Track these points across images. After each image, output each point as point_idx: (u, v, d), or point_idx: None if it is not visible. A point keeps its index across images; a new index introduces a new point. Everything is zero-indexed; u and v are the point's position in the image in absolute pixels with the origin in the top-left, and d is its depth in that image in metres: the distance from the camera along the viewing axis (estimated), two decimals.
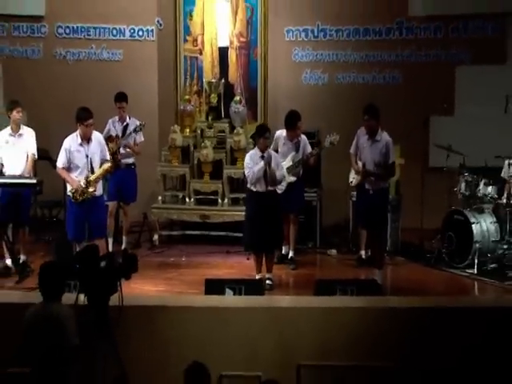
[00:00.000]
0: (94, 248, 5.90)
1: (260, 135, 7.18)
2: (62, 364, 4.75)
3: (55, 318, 4.82)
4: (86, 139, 7.06)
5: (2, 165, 7.58)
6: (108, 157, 7.27)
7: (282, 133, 7.87)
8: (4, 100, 8.86)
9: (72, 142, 7.07)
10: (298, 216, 8.07)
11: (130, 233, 8.57)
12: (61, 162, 7.10)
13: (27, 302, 5.42)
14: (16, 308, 5.44)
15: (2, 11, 9.59)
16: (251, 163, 7.10)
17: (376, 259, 7.34)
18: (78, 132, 7.07)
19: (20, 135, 7.64)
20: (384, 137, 7.21)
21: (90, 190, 6.99)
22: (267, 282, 7.08)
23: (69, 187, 7.16)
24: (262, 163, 7.01)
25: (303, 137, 7.94)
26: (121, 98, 8.32)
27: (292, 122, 7.83)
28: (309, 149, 7.91)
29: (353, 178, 8.03)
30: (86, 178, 6.98)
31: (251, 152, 7.29)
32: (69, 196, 7.16)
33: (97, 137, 7.22)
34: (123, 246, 8.32)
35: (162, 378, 5.22)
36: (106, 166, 7.14)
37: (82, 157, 7.04)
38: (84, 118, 6.97)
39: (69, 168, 7.09)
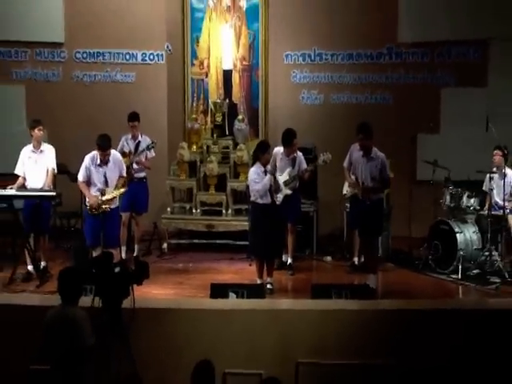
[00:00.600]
0: (109, 255, 5.93)
1: (263, 151, 7.17)
2: (79, 362, 4.74)
3: (72, 320, 4.82)
4: (104, 162, 7.13)
5: (25, 178, 7.61)
6: (124, 173, 7.32)
7: (279, 149, 7.85)
8: (27, 119, 8.88)
9: (91, 161, 7.13)
10: (295, 225, 8.04)
11: (142, 241, 8.56)
12: (81, 176, 7.17)
13: (47, 304, 5.43)
14: (37, 310, 5.45)
15: (25, 38, 9.63)
16: (259, 178, 7.08)
17: (370, 265, 7.31)
18: (98, 154, 7.12)
19: (41, 151, 7.67)
20: (378, 154, 7.21)
21: (104, 206, 7.04)
22: (268, 286, 7.09)
23: (87, 199, 7.23)
24: (268, 176, 7.03)
25: (299, 153, 7.93)
26: (133, 117, 8.34)
27: (288, 139, 7.81)
28: (304, 165, 7.88)
29: (346, 190, 8.07)
30: (101, 193, 7.04)
31: (254, 168, 7.22)
32: (86, 206, 7.23)
33: (114, 157, 7.24)
34: (135, 254, 8.32)
35: (172, 375, 5.22)
36: (121, 190, 7.19)
37: (100, 176, 7.11)
38: (102, 148, 7.04)
39: (88, 182, 7.15)
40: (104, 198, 7.07)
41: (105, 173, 7.12)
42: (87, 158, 7.15)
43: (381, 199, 7.32)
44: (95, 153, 7.13)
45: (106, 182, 7.12)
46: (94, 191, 7.12)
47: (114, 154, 7.32)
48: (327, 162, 7.84)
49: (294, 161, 7.85)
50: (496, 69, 9.32)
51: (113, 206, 7.20)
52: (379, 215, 7.30)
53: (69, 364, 4.73)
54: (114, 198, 7.17)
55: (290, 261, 7.97)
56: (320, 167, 8.47)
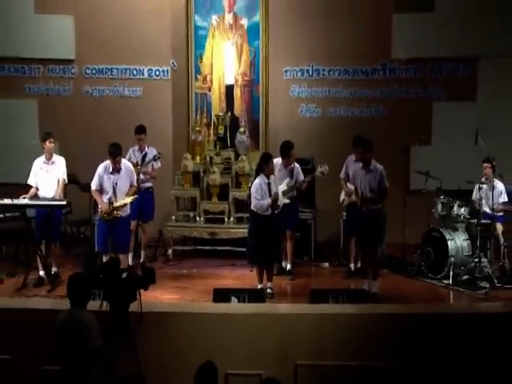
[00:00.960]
0: (116, 261, 5.94)
1: (266, 162, 7.18)
2: (87, 363, 4.76)
3: (81, 323, 4.85)
4: (116, 170, 7.19)
5: (37, 188, 7.63)
6: (135, 183, 7.36)
7: (278, 161, 7.83)
8: (39, 132, 8.86)
9: (104, 169, 7.21)
10: (294, 233, 8.04)
11: (148, 248, 8.56)
12: (94, 184, 7.24)
13: (58, 308, 5.44)
14: (48, 313, 5.46)
15: (38, 55, 9.67)
16: (258, 195, 7.07)
17: (373, 271, 7.25)
18: (110, 162, 7.19)
19: (52, 162, 7.71)
20: (377, 166, 7.22)
21: (115, 212, 7.08)
22: (268, 290, 7.08)
23: (99, 206, 7.26)
24: (269, 200, 7.03)
25: (297, 165, 7.93)
26: (140, 130, 8.37)
27: (286, 150, 7.83)
28: (301, 176, 7.89)
29: (343, 198, 8.10)
30: (109, 200, 7.07)
31: (257, 182, 7.15)
32: (99, 213, 7.26)
33: (126, 166, 7.32)
34: (142, 260, 8.32)
35: (175, 376, 5.21)
36: (132, 198, 7.22)
37: (110, 184, 7.15)
38: (113, 155, 7.13)
39: (100, 190, 7.20)
40: (115, 205, 7.10)
41: (116, 181, 7.16)
42: (100, 167, 7.23)
43: (380, 209, 7.29)
44: (108, 162, 7.21)
45: (115, 190, 7.14)
46: (105, 199, 7.16)
47: (127, 164, 7.39)
48: (324, 173, 7.87)
49: (291, 172, 7.86)
50: (485, 84, 9.36)
51: (124, 214, 7.23)
52: (379, 225, 7.27)
53: (78, 365, 4.73)
54: (125, 205, 7.19)
55: (289, 266, 7.97)
56: (318, 178, 8.49)
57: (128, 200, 7.20)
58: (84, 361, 4.75)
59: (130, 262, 8.01)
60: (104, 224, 7.19)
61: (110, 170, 7.19)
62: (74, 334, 4.81)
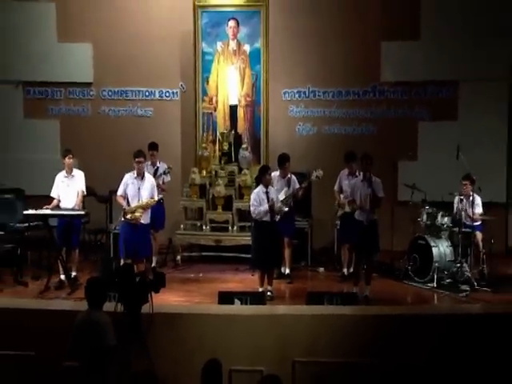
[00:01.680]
0: (130, 266, 5.98)
1: (263, 173, 7.27)
2: (103, 360, 4.77)
3: (97, 323, 4.86)
4: (140, 176, 7.25)
5: (59, 200, 7.67)
6: (156, 196, 7.37)
7: (276, 173, 7.89)
8: (61, 149, 8.92)
9: (129, 176, 7.30)
10: (292, 240, 8.04)
11: (159, 254, 8.55)
12: (119, 190, 7.30)
13: (77, 309, 5.44)
14: (68, 314, 5.49)
15: (60, 80, 9.73)
16: (256, 202, 7.12)
17: (366, 276, 7.24)
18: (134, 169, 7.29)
19: (72, 176, 7.74)
20: (376, 179, 7.24)
21: (137, 214, 7.12)
22: (268, 293, 7.08)
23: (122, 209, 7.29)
24: (266, 206, 7.05)
25: (293, 176, 7.94)
26: (153, 147, 8.40)
27: (281, 161, 7.88)
28: (297, 185, 7.90)
29: (337, 208, 8.10)
30: (124, 211, 7.16)
31: (256, 190, 7.27)
32: (121, 221, 7.29)
33: (150, 179, 7.41)
34: (153, 265, 8.26)
35: (184, 372, 5.19)
36: (150, 201, 7.26)
37: (135, 188, 7.23)
38: (135, 156, 7.24)
39: (125, 198, 7.28)
40: (137, 205, 7.14)
41: (139, 186, 7.23)
42: (126, 175, 7.30)
43: (375, 220, 7.25)
44: (134, 171, 7.30)
45: (139, 196, 7.21)
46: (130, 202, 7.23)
47: (151, 178, 7.48)
48: (319, 177, 7.83)
49: (289, 182, 7.87)
50: (465, 105, 9.40)
51: (144, 222, 7.25)
52: (376, 236, 7.24)
53: (94, 361, 4.74)
54: (143, 207, 7.19)
55: (287, 271, 7.96)
56: (314, 190, 8.54)
57: (144, 202, 7.19)
58: (100, 358, 4.75)
59: (154, 263, 8.02)
60: (127, 232, 7.20)
61: (134, 175, 7.25)
62: (91, 333, 4.82)
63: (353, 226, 7.39)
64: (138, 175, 7.27)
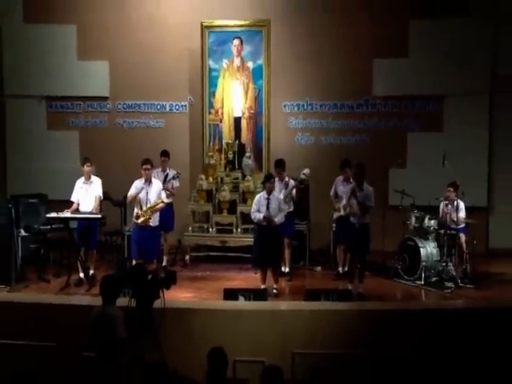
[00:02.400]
0: (142, 266, 6.02)
1: (266, 181, 7.35)
2: (115, 351, 4.78)
3: (110, 317, 4.88)
4: (147, 181, 7.25)
5: (78, 204, 7.69)
6: (164, 199, 7.36)
7: (276, 179, 7.90)
8: (80, 158, 8.92)
9: (139, 182, 7.28)
10: (291, 241, 8.06)
11: (169, 254, 8.53)
12: (130, 192, 7.27)
13: (94, 304, 5.45)
14: (86, 309, 5.51)
15: (79, 94, 9.75)
16: (256, 206, 7.19)
17: (360, 275, 7.25)
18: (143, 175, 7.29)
19: (91, 182, 7.75)
20: (369, 187, 7.24)
21: (147, 217, 7.13)
22: (274, 290, 7.05)
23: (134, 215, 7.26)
24: (262, 215, 7.09)
25: (291, 180, 7.94)
26: (164, 154, 8.40)
27: (276, 164, 7.98)
28: (294, 189, 7.96)
29: (333, 212, 8.12)
30: (136, 216, 7.19)
31: (258, 196, 7.32)
32: (133, 225, 7.28)
33: (157, 183, 7.40)
34: (164, 264, 8.28)
35: (192, 362, 5.14)
36: (158, 202, 7.25)
37: (144, 193, 7.22)
38: (143, 163, 7.25)
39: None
40: (148, 206, 7.16)
41: (148, 190, 7.22)
42: (136, 181, 7.29)
43: (367, 224, 7.24)
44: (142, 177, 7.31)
45: (147, 200, 7.20)
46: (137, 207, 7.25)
47: (158, 183, 7.48)
48: (306, 174, 7.85)
49: (286, 184, 7.89)
50: (450, 117, 9.40)
51: (153, 224, 7.24)
52: (367, 238, 7.24)
53: (107, 352, 4.77)
54: (152, 210, 7.20)
55: (287, 270, 7.97)
56: (312, 195, 8.55)
57: (153, 205, 7.20)
58: (112, 349, 4.77)
59: (154, 264, 8.05)
60: (137, 235, 7.21)
61: (143, 181, 7.26)
62: (104, 326, 4.84)
63: (347, 229, 7.39)
64: (146, 181, 7.29)
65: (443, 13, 9.16)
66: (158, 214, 7.30)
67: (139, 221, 7.15)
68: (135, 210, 7.27)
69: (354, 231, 7.23)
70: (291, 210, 7.86)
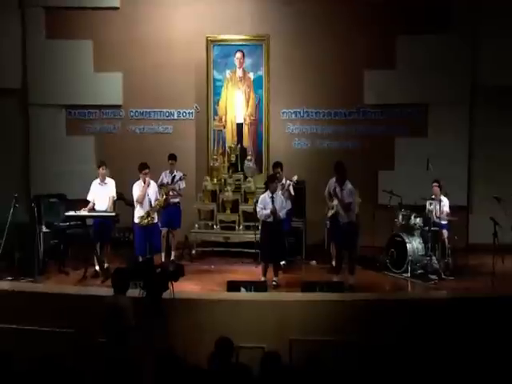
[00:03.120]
0: (152, 260, 6.06)
1: (269, 181, 7.39)
2: (125, 337, 4.78)
3: (120, 306, 4.88)
4: (146, 183, 7.29)
5: (94, 203, 7.73)
6: (159, 197, 7.50)
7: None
8: (95, 161, 8.99)
9: (139, 185, 7.35)
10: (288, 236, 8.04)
11: (176, 249, 8.51)
12: (137, 196, 7.37)
13: (107, 294, 5.44)
14: (102, 298, 5.49)
15: (95, 103, 9.74)
16: (261, 205, 7.20)
17: (350, 268, 7.27)
18: (140, 179, 7.32)
19: (105, 183, 7.79)
20: (348, 186, 7.26)
21: (150, 218, 7.24)
22: (273, 283, 7.08)
23: (136, 219, 7.31)
24: (269, 211, 7.08)
25: (288, 181, 7.99)
26: (172, 157, 8.40)
27: (275, 166, 8.07)
28: (291, 190, 8.04)
29: (327, 210, 8.15)
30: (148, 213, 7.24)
31: (262, 195, 7.32)
32: (135, 224, 7.32)
33: (153, 185, 7.47)
34: (172, 258, 8.29)
35: (197, 347, 5.10)
36: (159, 201, 7.39)
37: (145, 194, 7.31)
38: (143, 168, 7.31)
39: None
40: (148, 209, 7.24)
41: (148, 193, 7.31)
42: (135, 184, 7.43)
43: (353, 221, 7.26)
44: (140, 180, 7.40)
45: (149, 200, 7.31)
46: (144, 210, 7.30)
47: (154, 184, 7.54)
48: (293, 180, 7.95)
49: (283, 185, 7.92)
50: (433, 124, 9.39)
51: (156, 221, 7.32)
52: (353, 233, 7.28)
53: (118, 338, 4.77)
54: (157, 208, 7.31)
55: (283, 262, 7.94)
56: (308, 195, 8.55)
57: (158, 203, 7.33)
58: (123, 335, 4.77)
59: (163, 260, 8.08)
60: (140, 232, 7.26)
61: (142, 184, 7.30)
62: (115, 314, 4.85)
63: (336, 227, 7.44)
64: (144, 183, 7.32)
65: (427, 29, 9.19)
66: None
67: (144, 222, 7.17)
68: (139, 211, 7.28)
69: (340, 228, 7.25)
70: (289, 207, 7.87)
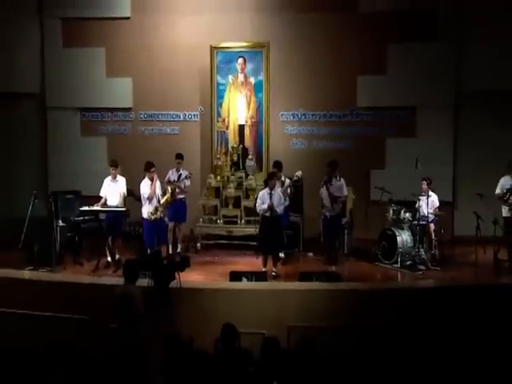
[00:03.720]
0: (159, 252, 6.05)
1: (268, 179, 7.36)
2: (135, 323, 4.79)
3: (130, 294, 4.88)
4: (152, 181, 7.27)
5: (106, 199, 7.72)
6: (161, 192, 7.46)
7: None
8: (108, 160, 8.97)
9: (147, 183, 7.30)
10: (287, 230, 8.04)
11: (182, 242, 8.50)
12: (147, 193, 7.30)
13: (118, 283, 5.48)
14: (112, 287, 5.48)
15: (107, 106, 9.72)
16: (260, 200, 7.20)
17: (331, 257, 7.28)
18: (146, 177, 7.28)
19: (116, 181, 7.77)
20: (336, 181, 7.27)
21: (158, 213, 7.21)
22: (273, 273, 7.06)
23: (144, 214, 7.28)
24: (266, 206, 7.07)
25: (287, 180, 7.97)
26: (179, 156, 8.37)
27: (274, 165, 8.03)
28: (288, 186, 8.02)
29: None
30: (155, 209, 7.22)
31: (262, 191, 7.31)
32: (144, 219, 7.30)
33: (158, 182, 7.41)
34: (178, 250, 8.28)
35: (202, 333, 5.08)
36: (167, 197, 7.34)
37: (153, 190, 7.26)
38: (150, 167, 7.25)
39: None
40: (161, 202, 7.21)
41: (155, 190, 7.28)
42: (143, 183, 7.35)
43: (339, 215, 7.30)
44: (146, 178, 7.31)
45: (156, 195, 7.27)
46: (152, 206, 7.26)
47: (158, 181, 7.47)
48: (298, 175, 7.91)
49: (283, 183, 7.91)
50: (421, 126, 9.35)
51: (162, 215, 7.30)
52: (338, 227, 7.34)
53: (129, 324, 4.78)
54: (165, 203, 7.28)
55: (282, 254, 7.93)
56: (305, 191, 8.50)
57: (166, 199, 7.31)
58: (133, 322, 4.77)
59: (170, 252, 8.07)
60: (148, 226, 7.23)
61: (149, 182, 7.28)
62: (126, 302, 4.85)
63: (325, 220, 7.46)
64: (151, 181, 7.29)
65: (416, 38, 9.17)
66: None
67: (153, 217, 7.16)
68: (149, 206, 7.25)
69: (326, 222, 7.26)
70: (287, 204, 7.85)
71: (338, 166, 7.36)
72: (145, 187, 7.32)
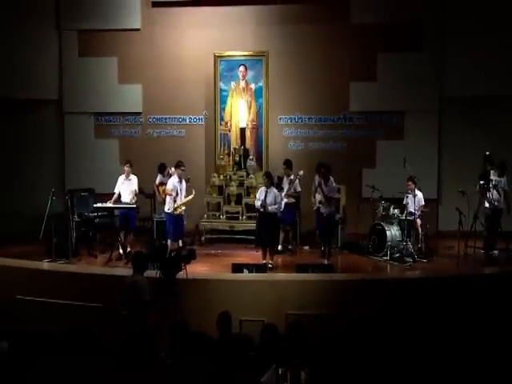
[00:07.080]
0: (166, 245, 6.03)
1: (265, 178, 7.31)
2: (143, 311, 4.77)
3: (138, 284, 4.87)
4: (180, 179, 7.26)
5: (119, 196, 7.72)
6: (193, 191, 7.44)
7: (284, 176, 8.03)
8: (120, 160, 9.01)
9: (174, 180, 7.30)
10: (291, 226, 8.12)
11: (188, 236, 8.45)
12: (172, 189, 7.28)
13: (129, 274, 5.43)
14: (124, 278, 5.46)
15: (119, 110, 9.72)
16: (258, 197, 7.21)
17: (325, 251, 7.32)
18: (176, 174, 7.28)
19: (129, 179, 7.78)
20: (329, 182, 7.28)
21: (181, 208, 7.25)
22: (269, 265, 7.06)
23: (166, 209, 7.27)
24: (259, 203, 7.06)
25: (297, 177, 7.98)
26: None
27: (284, 163, 8.11)
28: (298, 187, 8.02)
29: (313, 204, 8.11)
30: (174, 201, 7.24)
31: (261, 188, 7.31)
32: (166, 213, 7.28)
33: (184, 182, 7.40)
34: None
35: (207, 321, 5.02)
36: (191, 196, 7.35)
37: (178, 188, 7.27)
38: (180, 165, 7.28)
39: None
40: (182, 202, 7.21)
41: (180, 188, 7.29)
42: (172, 179, 7.35)
43: (333, 213, 7.32)
44: (175, 175, 7.32)
45: (181, 193, 7.29)
46: (173, 202, 7.23)
47: (184, 181, 7.43)
48: (301, 175, 7.91)
49: (291, 181, 7.92)
50: (409, 129, 9.35)
51: (183, 212, 7.31)
52: (331, 224, 7.37)
53: (137, 312, 4.76)
54: (185, 203, 7.28)
55: (290, 246, 8.11)
56: (302, 190, 8.45)
57: (190, 198, 7.31)
58: (141, 309, 4.76)
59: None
60: (173, 220, 7.20)
61: (177, 179, 7.26)
62: (134, 291, 4.84)
63: (319, 217, 7.48)
64: (180, 179, 7.26)
65: (403, 48, 9.18)
66: None
67: (176, 212, 7.16)
68: (171, 202, 7.21)
69: (321, 219, 7.25)
70: (293, 202, 7.79)
71: (331, 169, 7.38)
72: (173, 184, 7.27)
